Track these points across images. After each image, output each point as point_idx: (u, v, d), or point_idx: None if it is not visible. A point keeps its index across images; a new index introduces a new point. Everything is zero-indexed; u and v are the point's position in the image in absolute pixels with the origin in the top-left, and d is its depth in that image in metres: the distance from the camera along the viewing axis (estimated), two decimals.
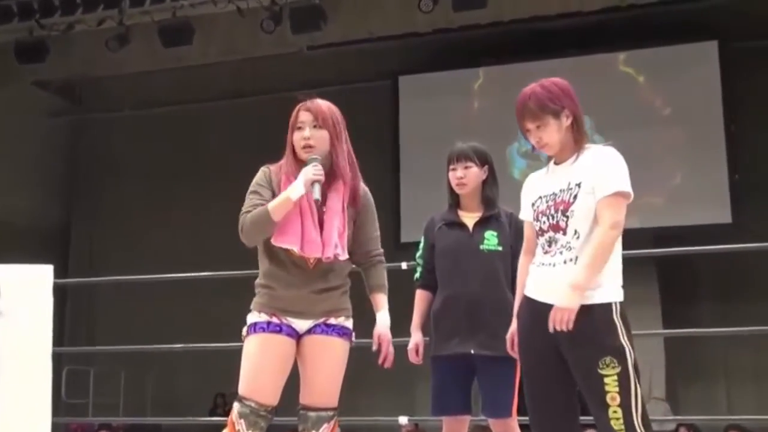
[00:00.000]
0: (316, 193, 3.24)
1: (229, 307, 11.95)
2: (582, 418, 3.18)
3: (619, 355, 2.97)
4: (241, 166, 11.75)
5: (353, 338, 3.37)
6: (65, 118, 13.26)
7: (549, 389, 3.09)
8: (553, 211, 3.12)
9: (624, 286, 3.09)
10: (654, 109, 10.89)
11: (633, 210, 3.19)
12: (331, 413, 3.29)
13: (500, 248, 3.81)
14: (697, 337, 10.16)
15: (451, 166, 3.97)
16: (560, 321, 2.97)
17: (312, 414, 3.27)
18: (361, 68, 11.76)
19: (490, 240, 3.84)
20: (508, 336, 3.34)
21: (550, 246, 3.11)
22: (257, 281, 3.40)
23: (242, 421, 3.23)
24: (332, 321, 3.31)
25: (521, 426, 3.70)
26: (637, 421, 2.93)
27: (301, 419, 3.29)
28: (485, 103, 11.33)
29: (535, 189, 3.25)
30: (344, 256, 3.28)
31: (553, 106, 3.13)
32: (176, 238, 12.21)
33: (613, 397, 2.94)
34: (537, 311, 3.10)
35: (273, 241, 3.26)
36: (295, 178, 3.28)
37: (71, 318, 12.54)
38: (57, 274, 4.89)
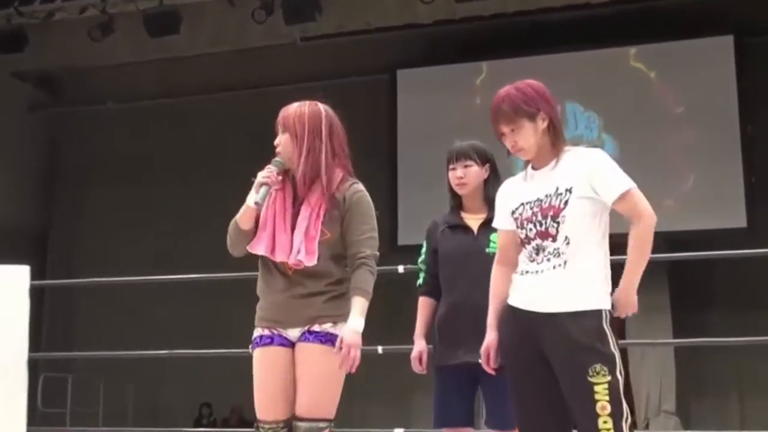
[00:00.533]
0: (257, 197, 3.34)
1: (216, 312, 12.04)
2: None
3: (610, 363, 3.01)
4: (231, 164, 11.84)
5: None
6: (45, 111, 13.24)
7: (539, 401, 3.11)
8: (540, 218, 3.15)
9: None
10: (666, 107, 10.89)
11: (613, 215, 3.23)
12: (322, 425, 3.30)
13: None
14: (709, 347, 10.16)
15: (451, 166, 3.98)
16: (627, 305, 3.08)
17: (301, 425, 3.29)
18: (357, 61, 11.76)
19: (496, 242, 3.84)
20: (483, 349, 3.30)
21: (537, 254, 3.15)
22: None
23: None
24: (316, 328, 3.34)
25: None
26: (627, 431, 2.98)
27: (293, 430, 3.32)
28: (488, 99, 11.20)
29: (515, 195, 3.27)
30: (310, 262, 3.33)
31: (528, 109, 3.17)
32: (161, 240, 12.20)
33: (603, 406, 2.97)
34: (523, 321, 3.13)
35: (247, 248, 3.40)
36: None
37: (49, 322, 12.52)
38: (34, 276, 4.88)
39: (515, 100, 3.19)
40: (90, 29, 10.32)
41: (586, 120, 11.06)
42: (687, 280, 10.55)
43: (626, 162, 3.66)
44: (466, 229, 3.92)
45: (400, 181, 11.53)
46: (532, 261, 3.15)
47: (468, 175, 3.94)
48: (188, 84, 12.30)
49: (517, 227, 3.22)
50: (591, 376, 2.98)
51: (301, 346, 3.35)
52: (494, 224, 3.41)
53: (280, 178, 3.41)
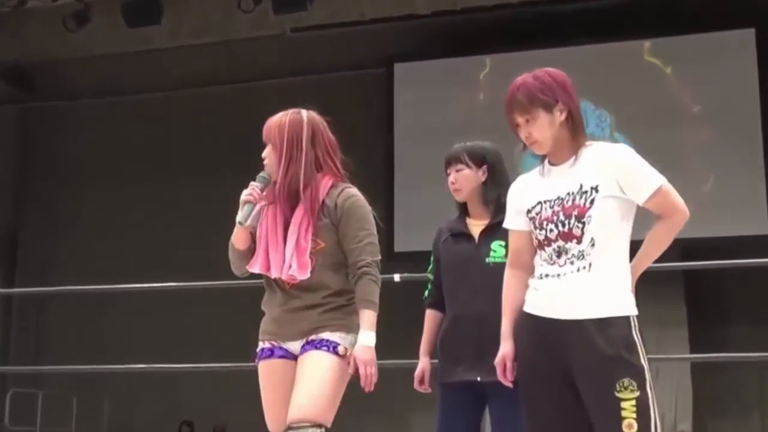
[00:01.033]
0: (240, 215, 3.47)
1: (198, 324, 12.02)
2: None
3: (639, 377, 2.98)
4: (215, 163, 11.79)
5: (339, 350, 3.40)
6: (15, 107, 13.23)
7: (552, 416, 3.09)
8: (563, 218, 3.12)
9: (647, 304, 3.11)
10: (683, 105, 10.90)
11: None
12: (310, 430, 3.32)
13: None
14: (729, 363, 10.16)
15: (447, 171, 4.02)
16: None
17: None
18: (351, 54, 11.76)
19: (497, 251, 3.85)
20: (499, 360, 3.28)
21: (559, 256, 3.12)
22: None
23: None
24: (313, 338, 3.42)
25: None
26: None
27: None
28: (492, 95, 11.31)
29: (531, 193, 3.25)
30: (303, 275, 3.41)
31: (544, 98, 3.15)
32: (141, 245, 12.18)
33: (630, 424, 2.94)
34: (542, 329, 3.10)
35: (247, 268, 3.56)
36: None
37: (17, 333, 12.48)
38: (2, 283, 4.88)
39: (531, 89, 3.17)
40: (64, 18, 10.32)
41: (597, 118, 11.06)
42: (705, 291, 10.55)
43: None
44: (468, 237, 3.94)
45: (396, 184, 11.53)
46: (553, 264, 3.12)
47: (459, 180, 3.96)
48: (170, 78, 12.29)
49: (535, 228, 3.19)
50: (618, 391, 2.95)
51: (300, 358, 3.44)
52: (505, 224, 3.38)
53: (265, 193, 3.51)
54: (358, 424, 10.01)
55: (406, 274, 5.18)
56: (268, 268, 3.47)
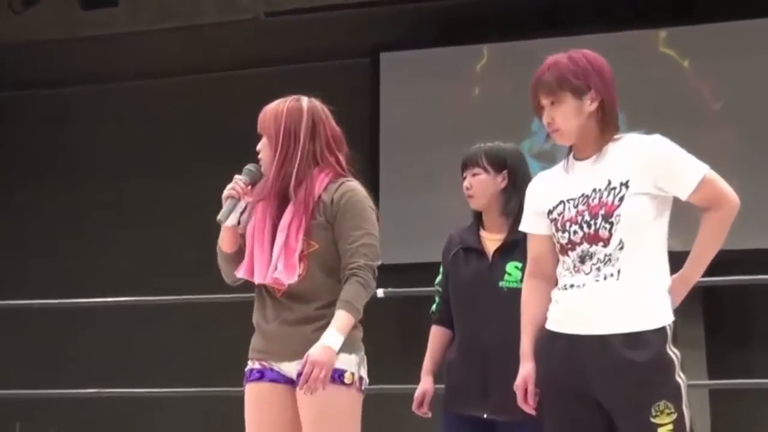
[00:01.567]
0: (221, 213, 3.43)
1: (157, 342, 11.98)
2: None
3: (676, 397, 2.97)
4: (180, 162, 11.76)
5: (345, 378, 3.35)
6: None
7: None
8: (588, 218, 3.08)
9: None
10: (702, 102, 10.92)
11: (674, 229, 3.20)
12: None
13: None
14: (750, 389, 10.17)
15: (462, 174, 4.00)
16: (679, 298, 3.07)
17: None
18: (332, 42, 11.74)
19: (513, 274, 3.83)
20: (519, 383, 3.26)
21: (583, 262, 3.08)
22: None
23: None
24: None
25: None
26: None
27: None
28: (489, 89, 11.34)
29: (553, 192, 3.21)
30: (289, 278, 3.36)
31: (576, 83, 3.12)
32: (91, 254, 12.12)
33: None
34: (564, 347, 3.07)
35: (235, 273, 3.52)
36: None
37: None
38: None
39: (563, 70, 3.14)
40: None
41: None
42: (725, 309, 10.57)
43: None
44: (481, 253, 3.90)
45: (382, 187, 11.48)
46: (578, 272, 3.08)
47: (475, 186, 3.94)
48: (129, 67, 12.24)
49: (557, 230, 3.15)
50: (654, 417, 2.94)
51: (301, 394, 3.34)
52: (522, 227, 3.35)
53: (250, 188, 3.47)
54: None
55: (390, 290, 5.17)
56: (253, 272, 3.43)
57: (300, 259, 3.40)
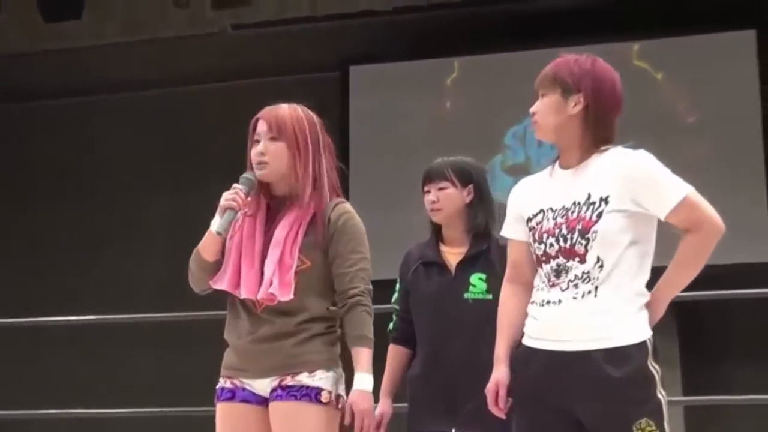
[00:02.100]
0: (219, 224, 3.34)
1: (122, 363, 11.89)
2: None
3: (657, 414, 2.98)
4: (145, 177, 11.71)
5: (322, 397, 3.32)
6: None
7: None
8: (565, 231, 3.08)
9: None
10: (676, 115, 10.98)
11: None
12: None
13: (490, 296, 3.80)
14: (726, 406, 10.21)
15: (425, 188, 4.01)
16: (653, 320, 3.03)
17: None
18: (300, 56, 11.74)
19: (478, 286, 3.84)
20: (490, 387, 3.24)
21: (558, 276, 3.08)
22: None
23: None
24: (288, 381, 3.32)
25: None
26: None
27: None
28: (460, 103, 11.36)
29: (534, 199, 3.22)
30: (285, 296, 3.31)
31: (567, 81, 3.15)
32: (57, 271, 12.05)
33: None
34: (545, 364, 3.06)
35: (210, 283, 3.43)
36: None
37: None
38: None
39: (563, 66, 3.19)
40: None
41: None
42: (700, 325, 10.60)
43: None
44: (443, 267, 3.91)
45: (351, 203, 11.49)
46: (553, 286, 3.07)
47: (443, 200, 3.95)
48: (94, 80, 12.19)
49: (533, 240, 3.15)
50: None
51: (273, 407, 3.33)
52: (503, 233, 3.35)
53: (249, 199, 3.41)
54: None
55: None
56: (237, 286, 3.36)
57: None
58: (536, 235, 3.15)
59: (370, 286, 3.46)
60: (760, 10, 10.67)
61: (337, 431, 3.37)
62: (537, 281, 3.16)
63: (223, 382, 3.44)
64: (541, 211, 3.17)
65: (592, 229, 3.04)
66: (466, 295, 3.84)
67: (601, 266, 3.02)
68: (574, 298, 3.04)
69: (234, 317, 3.45)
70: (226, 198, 3.38)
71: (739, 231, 10.40)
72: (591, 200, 3.07)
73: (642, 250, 3.08)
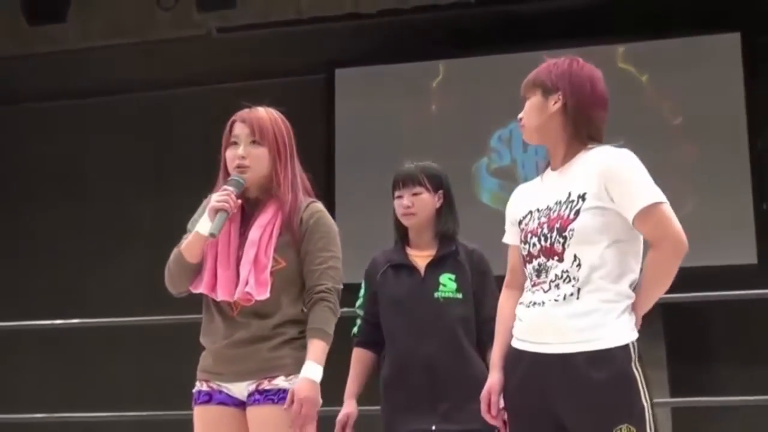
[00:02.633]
0: (213, 226, 3.34)
1: (100, 368, 11.86)
2: None
3: (639, 421, 2.96)
4: (129, 180, 11.68)
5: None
6: None
7: None
8: (546, 231, 3.09)
9: None
10: (661, 118, 11.00)
11: None
12: None
13: (460, 295, 3.83)
14: (713, 407, 10.23)
15: (397, 193, 4.04)
16: None
17: None
18: (286, 58, 11.74)
19: (447, 285, 3.87)
20: (483, 393, 3.24)
21: (539, 276, 3.08)
22: None
23: None
24: (265, 385, 3.34)
25: None
26: None
27: None
28: (446, 105, 11.37)
29: (525, 201, 3.25)
30: (262, 294, 3.33)
31: (547, 82, 3.20)
32: (39, 276, 12.01)
33: None
34: (527, 365, 3.07)
35: (190, 287, 3.46)
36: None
37: None
38: None
39: (544, 69, 3.23)
40: None
41: None
42: (686, 327, 10.61)
43: None
44: (412, 269, 3.94)
45: (337, 207, 11.49)
46: (536, 287, 3.07)
47: (417, 205, 3.98)
48: (79, 84, 12.16)
49: (521, 241, 3.18)
50: None
51: (250, 411, 3.35)
52: (504, 239, 3.36)
53: (239, 201, 3.43)
54: None
55: (345, 309, 5.16)
56: (214, 289, 3.37)
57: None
58: (523, 236, 3.19)
59: (340, 286, 3.50)
60: (745, 13, 10.72)
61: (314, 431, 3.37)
62: (526, 282, 3.17)
63: (200, 386, 3.45)
64: (530, 212, 3.20)
65: (569, 227, 3.04)
66: (436, 295, 3.89)
67: (579, 265, 3.01)
68: (556, 300, 3.04)
69: (209, 321, 3.47)
70: (217, 200, 3.38)
71: (725, 232, 10.52)
72: (570, 198, 3.08)
73: (625, 250, 3.07)
